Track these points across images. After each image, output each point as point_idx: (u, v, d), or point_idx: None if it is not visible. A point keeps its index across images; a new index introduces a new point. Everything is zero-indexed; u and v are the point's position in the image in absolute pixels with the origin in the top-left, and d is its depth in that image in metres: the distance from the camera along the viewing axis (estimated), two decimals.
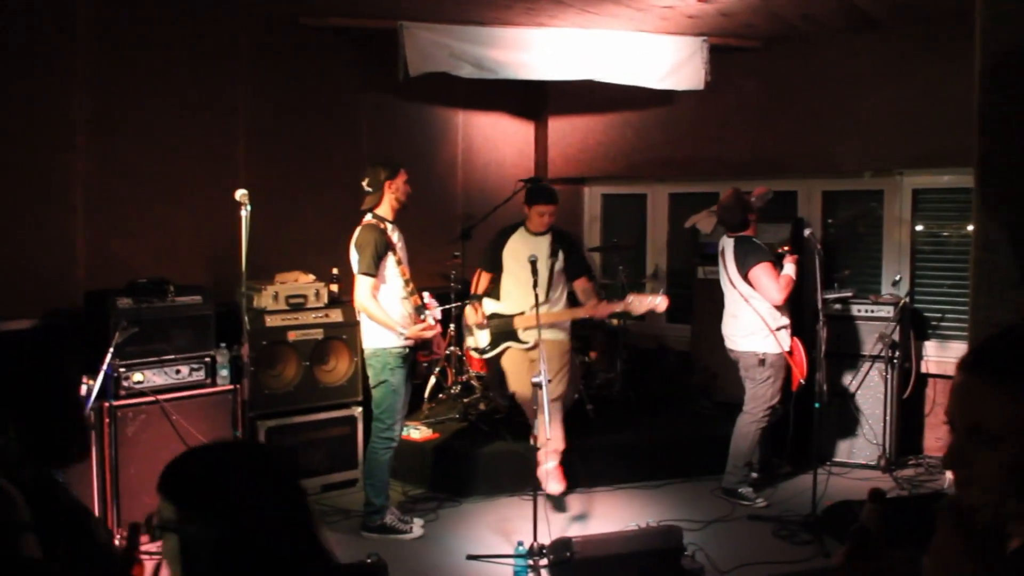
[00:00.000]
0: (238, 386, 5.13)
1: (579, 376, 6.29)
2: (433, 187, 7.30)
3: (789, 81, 6.97)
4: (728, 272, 5.65)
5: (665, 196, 8.05)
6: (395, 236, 5.01)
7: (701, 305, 7.08)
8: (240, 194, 4.44)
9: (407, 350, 4.97)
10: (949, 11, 5.91)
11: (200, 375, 5.11)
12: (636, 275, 7.62)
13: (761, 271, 5.46)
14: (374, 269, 4.85)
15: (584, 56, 6.62)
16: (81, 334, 4.88)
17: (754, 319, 5.55)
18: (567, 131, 8.10)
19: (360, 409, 5.84)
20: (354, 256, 4.94)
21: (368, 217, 4.99)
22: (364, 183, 5.01)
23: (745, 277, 5.54)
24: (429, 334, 4.98)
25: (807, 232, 5.54)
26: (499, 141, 7.91)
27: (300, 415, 5.55)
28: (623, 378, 6.95)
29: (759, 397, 5.61)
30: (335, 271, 5.81)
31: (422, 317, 5.02)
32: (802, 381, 5.51)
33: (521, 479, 5.49)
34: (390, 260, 4.93)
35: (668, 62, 6.75)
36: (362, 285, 4.87)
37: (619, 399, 6.89)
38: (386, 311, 4.90)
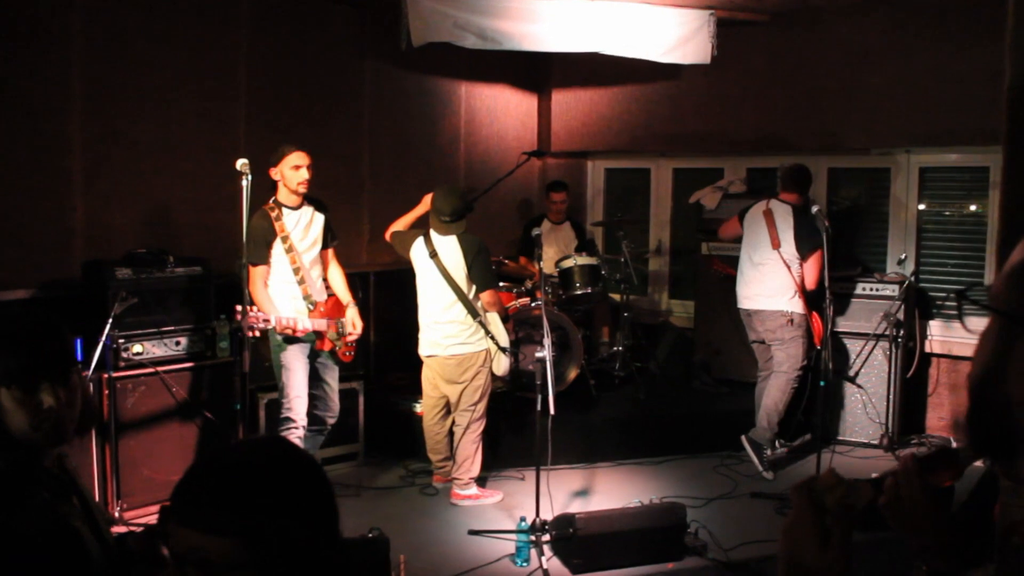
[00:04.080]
0: (238, 358, 5.07)
1: (581, 351, 6.25)
2: (435, 159, 7.22)
3: (796, 56, 6.87)
4: (780, 236, 5.66)
5: (669, 171, 7.97)
6: (292, 221, 4.79)
7: (705, 281, 7.03)
8: (241, 163, 4.35)
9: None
10: None
11: (200, 346, 5.06)
12: (639, 250, 7.57)
13: (816, 258, 5.56)
14: (256, 258, 4.66)
15: (589, 28, 6.51)
16: (79, 304, 4.82)
17: (787, 281, 5.64)
18: (571, 104, 8.00)
19: (361, 382, 5.81)
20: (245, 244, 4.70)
21: (269, 203, 4.77)
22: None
23: (805, 255, 5.60)
24: (298, 326, 4.69)
25: (814, 209, 5.50)
26: (502, 113, 7.82)
27: None
28: (625, 354, 6.91)
29: (793, 356, 5.70)
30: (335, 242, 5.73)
31: (309, 308, 4.82)
32: (818, 347, 5.60)
33: (524, 454, 5.47)
34: (277, 247, 4.75)
35: (674, 35, 6.65)
36: (250, 274, 4.65)
37: (621, 375, 6.85)
38: (272, 299, 4.74)
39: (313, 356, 4.93)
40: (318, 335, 4.87)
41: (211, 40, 5.69)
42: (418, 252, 5.23)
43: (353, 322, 5.02)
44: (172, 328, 4.95)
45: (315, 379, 5.00)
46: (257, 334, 4.63)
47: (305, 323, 4.76)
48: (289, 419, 4.81)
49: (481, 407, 5.26)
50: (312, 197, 4.92)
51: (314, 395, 5.00)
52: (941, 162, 6.66)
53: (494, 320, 5.26)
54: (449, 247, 5.13)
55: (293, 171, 4.71)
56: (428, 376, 5.32)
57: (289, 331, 4.69)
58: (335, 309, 4.99)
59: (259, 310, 4.60)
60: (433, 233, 5.18)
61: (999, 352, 0.89)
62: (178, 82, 5.53)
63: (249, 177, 4.35)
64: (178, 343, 4.97)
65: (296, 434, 4.80)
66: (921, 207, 6.75)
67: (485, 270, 5.18)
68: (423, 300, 5.26)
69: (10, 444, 1.82)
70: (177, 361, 4.94)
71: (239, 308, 4.51)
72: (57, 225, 5.03)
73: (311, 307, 4.84)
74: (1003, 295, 0.91)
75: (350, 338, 5.03)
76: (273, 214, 4.73)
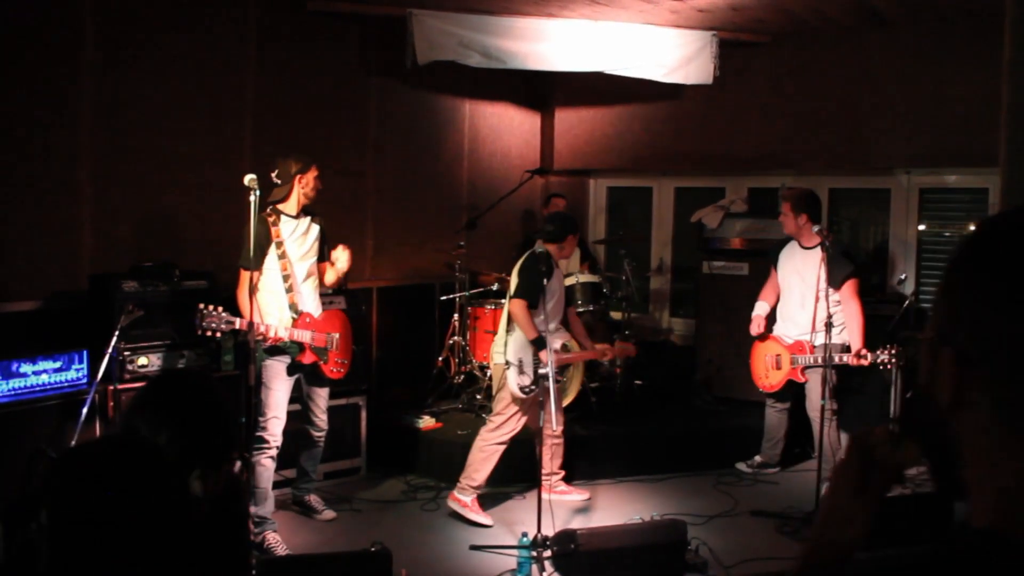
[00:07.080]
0: (243, 372, 5.08)
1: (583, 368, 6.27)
2: (439, 176, 7.27)
3: (798, 77, 6.95)
4: None
5: (671, 190, 8.04)
6: (289, 228, 4.81)
7: (706, 300, 7.07)
8: (249, 179, 4.37)
9: (278, 346, 4.73)
10: (960, 9, 5.90)
11: (205, 360, 5.07)
12: (641, 269, 7.61)
13: None
14: (249, 262, 4.56)
15: (593, 48, 6.59)
16: (85, 317, 4.85)
17: None
18: (574, 123, 8.08)
19: (364, 397, 5.83)
20: None
21: (267, 210, 4.77)
22: (273, 175, 4.76)
23: None
24: (269, 333, 4.62)
25: (815, 229, 5.53)
26: (505, 131, 7.88)
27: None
28: (626, 371, 6.93)
29: None
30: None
31: (293, 317, 4.76)
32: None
33: (525, 470, 5.48)
34: (271, 253, 4.74)
35: (677, 56, 6.73)
36: (240, 278, 4.73)
37: (622, 392, 6.87)
38: (258, 305, 4.60)
39: (295, 370, 4.86)
40: (299, 347, 4.80)
41: (219, 56, 5.76)
42: None
43: (342, 255, 4.99)
44: (177, 341, 4.97)
45: (301, 396, 4.99)
46: (218, 335, 4.53)
47: (280, 332, 4.68)
48: (263, 439, 4.73)
49: (499, 419, 5.18)
50: (310, 208, 4.94)
51: (301, 412, 5.01)
52: (941, 183, 6.72)
53: (514, 333, 5.16)
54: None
55: (315, 180, 4.85)
56: None
57: (260, 337, 4.58)
58: (327, 324, 4.93)
59: (242, 315, 4.57)
60: None
61: (930, 370, 0.98)
62: (186, 97, 5.58)
63: (257, 192, 4.37)
64: (183, 356, 4.99)
65: (269, 454, 4.73)
66: (921, 227, 6.79)
67: (523, 280, 5.12)
68: None
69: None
70: None
71: (241, 320, 4.54)
72: (65, 237, 5.07)
73: (295, 316, 4.78)
74: (932, 322, 1.01)
75: (338, 264, 4.99)
76: (270, 219, 4.75)
